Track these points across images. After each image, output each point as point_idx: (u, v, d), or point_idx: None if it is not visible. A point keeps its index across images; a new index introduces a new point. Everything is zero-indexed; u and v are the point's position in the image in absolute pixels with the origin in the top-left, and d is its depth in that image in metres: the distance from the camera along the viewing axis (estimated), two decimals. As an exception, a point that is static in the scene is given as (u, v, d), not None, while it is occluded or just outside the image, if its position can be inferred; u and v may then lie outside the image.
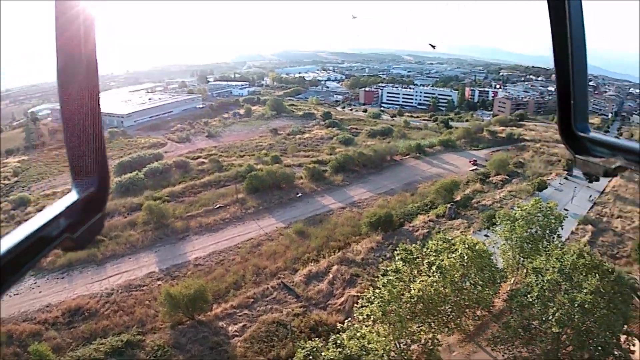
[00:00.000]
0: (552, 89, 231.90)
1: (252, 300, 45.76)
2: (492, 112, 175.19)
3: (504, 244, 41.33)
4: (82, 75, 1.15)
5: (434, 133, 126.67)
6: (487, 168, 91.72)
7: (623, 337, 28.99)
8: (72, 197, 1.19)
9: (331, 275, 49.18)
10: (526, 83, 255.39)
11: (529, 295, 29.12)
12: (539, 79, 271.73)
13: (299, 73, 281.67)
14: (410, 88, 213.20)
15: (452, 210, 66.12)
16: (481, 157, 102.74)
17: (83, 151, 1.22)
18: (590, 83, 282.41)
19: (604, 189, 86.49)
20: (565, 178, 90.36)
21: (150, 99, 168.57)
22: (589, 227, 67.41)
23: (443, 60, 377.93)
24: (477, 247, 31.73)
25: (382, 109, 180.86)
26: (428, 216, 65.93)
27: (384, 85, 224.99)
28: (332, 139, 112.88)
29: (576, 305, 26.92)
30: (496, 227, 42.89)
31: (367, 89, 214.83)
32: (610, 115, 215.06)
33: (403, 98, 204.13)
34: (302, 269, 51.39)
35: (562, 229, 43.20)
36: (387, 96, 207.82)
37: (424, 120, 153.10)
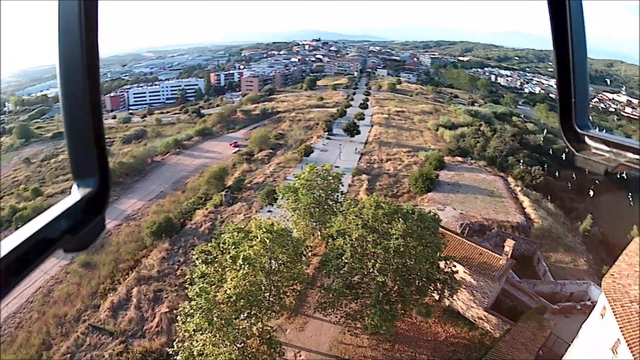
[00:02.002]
0: (296, 60, 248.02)
1: (69, 356, 41.53)
2: (240, 93, 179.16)
3: (293, 215, 42.55)
4: (84, 76, 1.16)
5: (188, 125, 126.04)
6: (249, 147, 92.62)
7: (442, 263, 31.56)
8: (74, 198, 1.20)
9: (135, 300, 47.08)
10: (269, 59, 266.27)
11: (343, 258, 29.33)
12: (281, 53, 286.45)
13: (41, 91, 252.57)
14: (155, 85, 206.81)
15: (228, 197, 65.72)
16: (240, 137, 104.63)
17: (84, 152, 1.23)
18: (332, 48, 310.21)
19: (367, 139, 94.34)
20: (328, 138, 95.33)
21: None
22: (364, 176, 71.69)
23: (184, 51, 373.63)
24: (275, 228, 31.10)
25: (130, 111, 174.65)
26: (206, 209, 65.27)
27: (128, 87, 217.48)
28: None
29: (391, 252, 28.09)
30: (280, 202, 44.03)
31: (111, 94, 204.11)
32: (356, 73, 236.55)
33: (150, 96, 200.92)
34: (103, 303, 48.17)
35: (342, 185, 45.45)
36: (134, 97, 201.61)
37: (176, 114, 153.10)
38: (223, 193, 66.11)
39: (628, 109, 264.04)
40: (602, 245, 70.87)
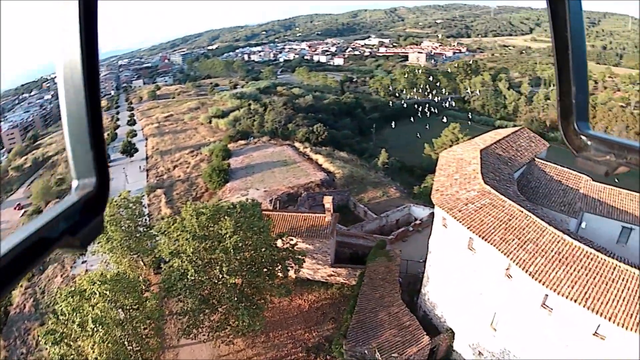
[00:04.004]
0: (50, 97, 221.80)
1: None
2: (5, 149, 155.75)
3: (112, 256, 40.17)
4: (83, 77, 1.17)
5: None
6: (34, 203, 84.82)
7: (279, 242, 32.27)
8: (72, 198, 1.21)
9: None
10: (22, 104, 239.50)
11: (188, 276, 28.05)
12: (33, 93, 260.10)
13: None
14: None
15: None
16: (22, 197, 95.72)
17: (83, 153, 1.23)
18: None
19: (147, 154, 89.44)
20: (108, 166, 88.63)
21: None
22: (158, 191, 68.70)
23: None
24: (108, 276, 28.57)
25: None
26: (21, 286, 54.40)
27: None
28: None
29: (231, 250, 27.81)
30: (92, 248, 40.54)
31: None
32: (112, 92, 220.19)
33: None
34: None
35: (146, 208, 42.63)
36: None
37: None
38: None
39: (382, 49, 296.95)
40: (403, 171, 79.42)
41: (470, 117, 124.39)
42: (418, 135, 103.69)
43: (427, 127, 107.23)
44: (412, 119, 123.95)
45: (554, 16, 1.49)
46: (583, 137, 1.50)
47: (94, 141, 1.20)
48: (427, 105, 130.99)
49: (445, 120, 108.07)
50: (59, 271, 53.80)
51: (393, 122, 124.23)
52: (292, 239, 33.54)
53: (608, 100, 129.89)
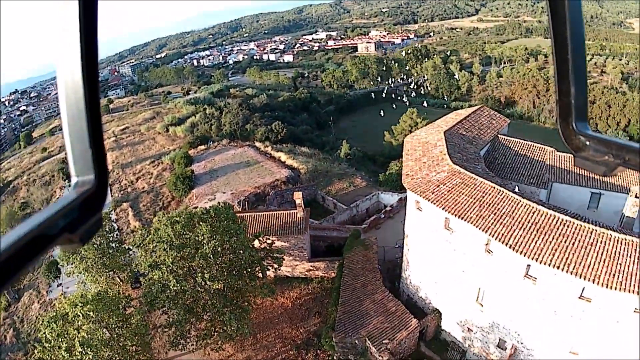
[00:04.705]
0: (2, 121, 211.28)
1: None
2: None
3: (87, 276, 39.35)
4: (82, 76, 1.18)
5: None
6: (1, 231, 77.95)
7: (256, 243, 32.45)
8: (71, 195, 1.21)
9: None
10: None
11: (170, 286, 27.64)
12: None
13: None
14: None
15: (11, 293, 55.28)
16: None
17: (82, 151, 1.24)
18: (32, 95, 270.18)
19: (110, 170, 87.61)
20: (70, 185, 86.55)
21: None
22: (124, 204, 67.29)
23: None
24: (89, 297, 28.05)
25: None
26: None
27: None
28: None
29: (210, 256, 27.83)
30: (67, 269, 40.15)
31: None
32: None
33: None
34: None
35: (115, 223, 42.69)
36: None
37: None
38: (4, 292, 53.85)
39: (330, 42, 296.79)
40: (366, 160, 79.70)
41: (424, 101, 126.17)
42: (375, 124, 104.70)
43: (382, 114, 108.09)
44: (367, 109, 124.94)
45: (553, 16, 1.48)
46: (582, 138, 1.50)
47: (93, 139, 1.21)
48: (382, 94, 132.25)
49: (395, 107, 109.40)
50: (35, 297, 52.15)
51: (349, 113, 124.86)
52: (268, 239, 33.40)
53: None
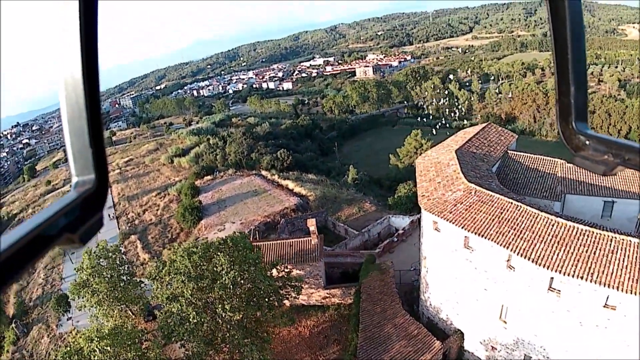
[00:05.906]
0: (5, 155, 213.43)
1: None
2: None
3: (99, 309, 38.81)
4: (83, 76, 1.18)
5: None
6: None
7: (274, 271, 32.38)
8: (72, 195, 1.22)
9: None
10: None
11: (190, 319, 27.17)
12: None
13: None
14: None
15: (20, 327, 54.44)
16: None
17: (82, 151, 1.24)
18: (34, 128, 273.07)
19: (114, 201, 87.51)
20: None
21: None
22: (133, 237, 66.87)
23: None
24: (106, 331, 27.70)
25: None
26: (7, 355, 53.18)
27: None
28: None
29: (230, 286, 27.71)
30: (79, 303, 39.36)
31: None
32: None
33: None
34: None
35: (124, 255, 41.73)
36: None
37: None
38: (13, 326, 54.63)
39: (328, 68, 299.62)
40: (373, 184, 79.79)
41: (425, 122, 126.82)
42: (377, 147, 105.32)
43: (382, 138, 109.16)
44: (369, 132, 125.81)
45: (553, 16, 1.48)
46: (581, 137, 1.51)
47: (93, 139, 1.21)
48: (383, 117, 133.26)
49: (394, 127, 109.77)
50: (44, 331, 51.49)
51: (352, 138, 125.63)
52: (286, 267, 33.30)
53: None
